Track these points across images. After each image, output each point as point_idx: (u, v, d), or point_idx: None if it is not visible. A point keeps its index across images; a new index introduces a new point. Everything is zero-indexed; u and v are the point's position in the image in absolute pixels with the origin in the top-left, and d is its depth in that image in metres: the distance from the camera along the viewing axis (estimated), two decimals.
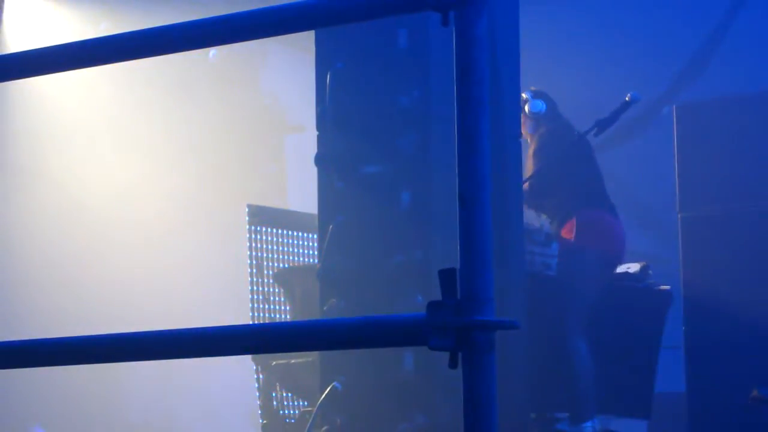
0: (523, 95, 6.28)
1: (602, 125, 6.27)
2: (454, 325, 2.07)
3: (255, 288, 7.09)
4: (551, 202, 6.25)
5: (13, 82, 7.57)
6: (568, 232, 6.09)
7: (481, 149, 2.09)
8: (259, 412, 6.63)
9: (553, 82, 6.68)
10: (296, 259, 7.28)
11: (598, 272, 6.02)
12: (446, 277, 2.09)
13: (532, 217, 6.31)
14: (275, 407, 6.51)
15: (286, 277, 6.67)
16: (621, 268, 6.27)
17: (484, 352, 2.07)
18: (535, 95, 6.32)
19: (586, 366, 5.93)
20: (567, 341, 5.92)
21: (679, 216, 6.56)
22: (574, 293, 5.98)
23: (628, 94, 6.26)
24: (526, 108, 6.28)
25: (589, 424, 5.91)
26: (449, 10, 2.13)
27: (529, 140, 6.35)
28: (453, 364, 2.09)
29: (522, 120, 6.29)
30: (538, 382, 5.46)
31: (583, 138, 6.28)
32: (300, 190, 8.48)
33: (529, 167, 6.21)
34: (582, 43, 8.57)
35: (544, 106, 6.28)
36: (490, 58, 2.10)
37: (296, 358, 6.19)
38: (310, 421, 5.32)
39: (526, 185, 6.12)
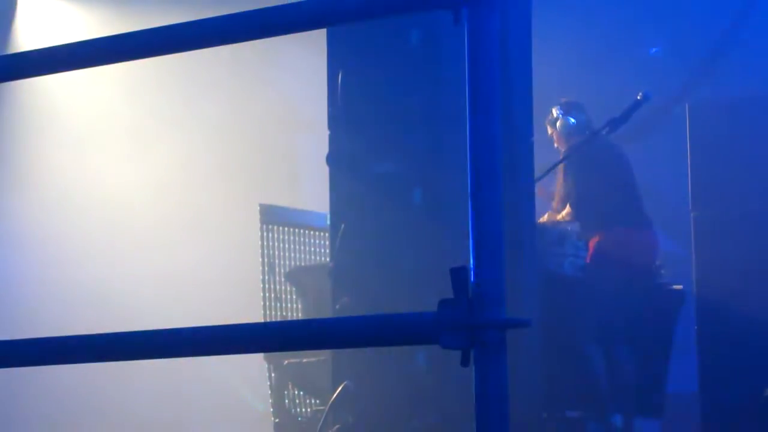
0: (554, 112, 6.31)
1: (614, 124, 6.27)
2: (466, 323, 2.07)
3: (267, 287, 7.09)
4: (580, 214, 6.28)
5: (22, 82, 7.59)
6: (591, 248, 6.11)
7: (492, 147, 2.09)
8: (271, 410, 6.63)
9: (564, 80, 6.67)
10: (308, 258, 7.28)
11: (614, 288, 6.04)
12: (458, 275, 2.09)
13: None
14: (287, 406, 6.51)
15: (298, 276, 6.67)
16: None
17: (496, 351, 2.07)
18: (567, 111, 6.33)
19: (601, 367, 5.95)
20: (582, 347, 5.95)
21: (691, 215, 6.54)
22: (591, 303, 6.00)
23: (640, 93, 6.26)
24: (558, 125, 6.31)
25: (617, 418, 5.93)
26: (461, 8, 2.13)
27: (563, 150, 6.39)
28: (465, 363, 2.09)
29: (551, 134, 6.34)
30: (550, 381, 5.46)
31: (609, 146, 6.28)
32: (312, 189, 8.48)
33: (559, 184, 6.25)
34: (594, 40, 8.55)
35: (575, 121, 6.30)
36: (502, 56, 2.10)
37: (308, 357, 6.19)
38: (322, 419, 5.32)
39: (567, 211, 6.17)
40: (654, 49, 6.12)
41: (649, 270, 6.23)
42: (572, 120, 6.32)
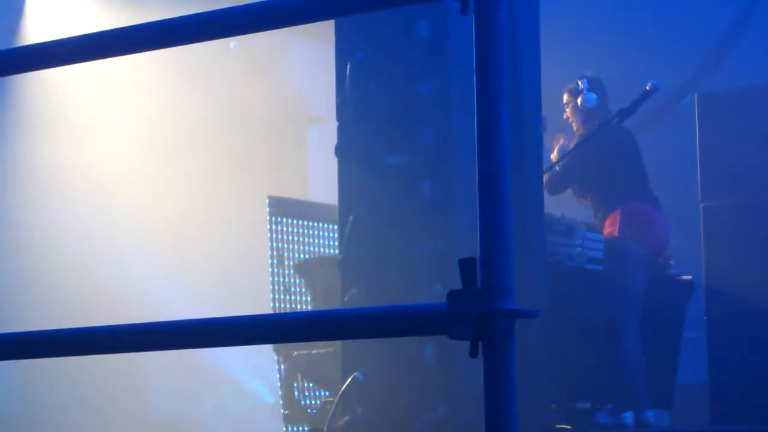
0: (579, 83, 6.29)
1: (623, 114, 6.26)
2: (475, 314, 2.07)
3: (276, 279, 7.10)
4: (593, 195, 6.26)
5: (30, 76, 7.60)
6: (611, 225, 6.10)
7: (500, 138, 2.09)
8: (281, 402, 6.64)
9: (573, 71, 6.66)
10: (317, 249, 7.29)
11: (643, 263, 6.04)
12: (466, 266, 2.09)
13: (553, 208, 6.31)
14: (297, 397, 6.52)
15: (307, 268, 6.68)
16: None
17: (504, 341, 2.07)
18: (591, 87, 6.30)
19: (634, 358, 5.94)
20: (616, 333, 5.93)
21: (700, 205, 6.53)
22: (622, 285, 5.99)
23: (649, 83, 6.24)
24: (579, 100, 6.29)
25: (629, 414, 5.92)
26: None
27: (574, 127, 6.37)
28: (473, 353, 2.09)
29: (569, 106, 6.32)
30: (559, 372, 5.46)
31: (625, 129, 6.28)
32: (321, 181, 8.49)
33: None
34: (602, 31, 8.53)
35: (595, 100, 6.28)
36: (510, 47, 2.10)
37: (318, 349, 6.20)
38: (332, 411, 5.33)
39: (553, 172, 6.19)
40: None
41: (663, 251, 6.24)
42: (594, 96, 6.30)
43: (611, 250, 6.12)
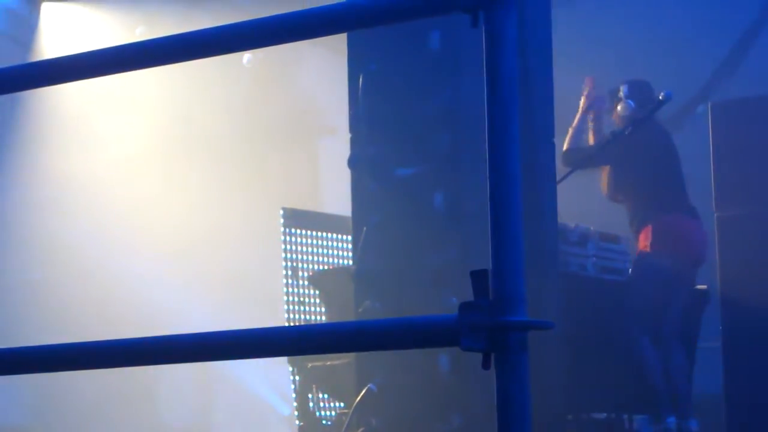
0: (621, 89, 6.30)
1: (636, 124, 6.25)
2: (487, 325, 2.07)
3: (290, 291, 7.11)
4: (628, 203, 6.26)
5: (41, 89, 7.63)
6: (644, 240, 6.09)
7: (511, 149, 2.09)
8: (296, 413, 6.65)
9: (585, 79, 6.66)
10: (331, 261, 7.30)
11: (674, 279, 6.04)
12: (478, 277, 2.09)
13: (566, 218, 6.31)
14: (312, 409, 6.53)
15: (321, 280, 6.69)
16: None
17: (517, 353, 2.07)
18: (631, 93, 6.29)
19: (655, 366, 5.94)
20: (635, 345, 5.94)
21: (715, 215, 6.52)
22: (645, 299, 5.98)
23: (662, 93, 6.24)
24: (618, 107, 6.30)
25: (672, 419, 5.91)
26: (479, 11, 2.13)
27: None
28: (486, 365, 2.09)
29: (613, 111, 6.33)
30: (575, 383, 5.45)
31: (667, 138, 6.28)
32: (334, 193, 8.50)
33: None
34: (615, 40, 8.52)
35: (632, 108, 6.28)
36: (521, 58, 2.10)
37: (332, 360, 6.20)
38: (347, 422, 5.33)
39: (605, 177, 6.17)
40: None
41: (699, 261, 6.23)
42: (632, 104, 6.31)
43: (640, 266, 6.11)
